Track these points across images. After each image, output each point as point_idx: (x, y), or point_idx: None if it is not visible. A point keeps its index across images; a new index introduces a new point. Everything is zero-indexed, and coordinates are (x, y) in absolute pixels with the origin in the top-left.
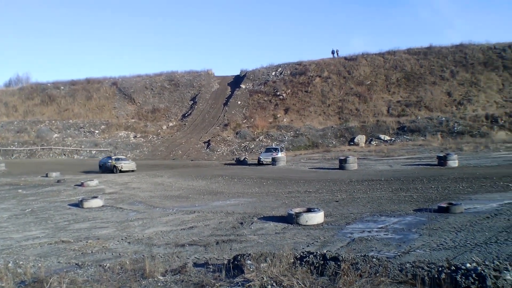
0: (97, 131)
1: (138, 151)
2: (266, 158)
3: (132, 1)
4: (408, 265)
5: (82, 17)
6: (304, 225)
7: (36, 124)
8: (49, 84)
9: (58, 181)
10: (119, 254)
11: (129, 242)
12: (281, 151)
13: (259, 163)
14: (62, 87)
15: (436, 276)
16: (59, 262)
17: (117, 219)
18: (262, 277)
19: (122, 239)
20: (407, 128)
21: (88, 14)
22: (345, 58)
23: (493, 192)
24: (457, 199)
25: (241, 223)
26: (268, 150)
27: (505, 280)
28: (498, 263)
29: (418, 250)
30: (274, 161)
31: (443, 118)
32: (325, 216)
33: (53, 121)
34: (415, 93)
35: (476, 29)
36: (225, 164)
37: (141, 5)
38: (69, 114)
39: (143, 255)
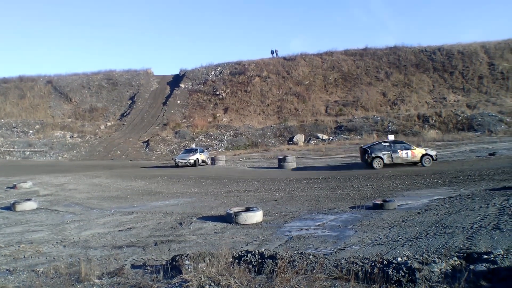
0: (31, 131)
1: (75, 151)
2: (182, 159)
3: None
4: (343, 261)
5: (15, 11)
6: (243, 224)
7: None
8: None
9: None
10: (54, 258)
11: (65, 246)
12: (202, 151)
13: (176, 165)
14: None
15: (369, 270)
16: None
17: (52, 221)
18: (200, 277)
19: (57, 243)
20: (345, 127)
21: (22, 7)
22: (284, 58)
23: (423, 188)
24: (390, 196)
25: (180, 223)
26: (188, 151)
27: (432, 272)
28: (427, 256)
29: (353, 246)
30: (195, 164)
31: (378, 118)
32: (264, 215)
33: None
34: (352, 93)
35: (409, 32)
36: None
37: (78, 1)
38: (0, 113)
39: (79, 258)
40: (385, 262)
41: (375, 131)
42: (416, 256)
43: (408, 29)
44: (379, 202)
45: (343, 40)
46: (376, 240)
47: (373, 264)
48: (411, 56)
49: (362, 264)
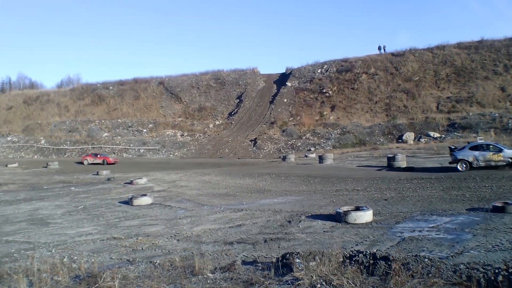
0: (145, 130)
1: (185, 149)
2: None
3: (177, 1)
4: (462, 266)
5: (130, 18)
6: (353, 223)
7: (86, 124)
8: (98, 85)
9: (108, 179)
10: (169, 251)
11: (178, 240)
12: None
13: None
14: (111, 87)
15: (492, 278)
16: (111, 258)
17: (166, 216)
18: (311, 275)
19: (171, 237)
20: (458, 124)
21: (136, 16)
22: (392, 54)
23: None
24: None
25: (289, 221)
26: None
27: None
28: None
29: (472, 251)
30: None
31: (496, 114)
32: (374, 214)
33: (103, 121)
34: (466, 88)
35: None
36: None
37: (186, 5)
38: (117, 113)
39: (192, 253)
40: (511, 269)
41: (492, 129)
42: None
43: None
44: (500, 205)
45: (455, 33)
46: (497, 245)
47: (497, 271)
48: None
49: (484, 270)
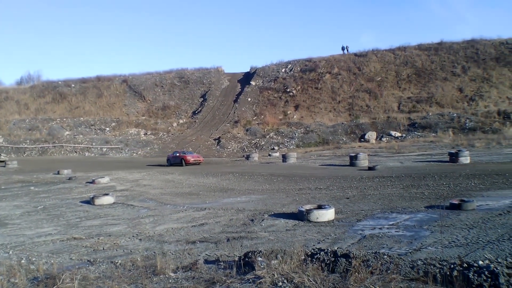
0: (107, 129)
1: (148, 148)
2: None
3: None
4: (419, 262)
5: (92, 16)
6: (315, 222)
7: (47, 122)
8: (60, 82)
9: (70, 179)
10: (131, 251)
11: (140, 239)
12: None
13: None
14: (73, 85)
15: (448, 273)
16: (71, 258)
17: (128, 216)
18: (273, 273)
19: (133, 236)
20: (418, 124)
21: (98, 13)
22: (355, 54)
23: (505, 188)
24: (469, 196)
25: (252, 220)
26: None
27: None
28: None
29: (429, 247)
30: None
31: (455, 114)
32: (336, 213)
33: (64, 119)
34: (426, 89)
35: (488, 24)
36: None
37: (150, 3)
38: (80, 111)
39: (154, 252)
40: (465, 265)
41: (450, 128)
42: (499, 260)
43: (487, 21)
44: (456, 202)
45: (416, 35)
46: (454, 241)
47: (452, 266)
48: (491, 49)
49: (440, 266)
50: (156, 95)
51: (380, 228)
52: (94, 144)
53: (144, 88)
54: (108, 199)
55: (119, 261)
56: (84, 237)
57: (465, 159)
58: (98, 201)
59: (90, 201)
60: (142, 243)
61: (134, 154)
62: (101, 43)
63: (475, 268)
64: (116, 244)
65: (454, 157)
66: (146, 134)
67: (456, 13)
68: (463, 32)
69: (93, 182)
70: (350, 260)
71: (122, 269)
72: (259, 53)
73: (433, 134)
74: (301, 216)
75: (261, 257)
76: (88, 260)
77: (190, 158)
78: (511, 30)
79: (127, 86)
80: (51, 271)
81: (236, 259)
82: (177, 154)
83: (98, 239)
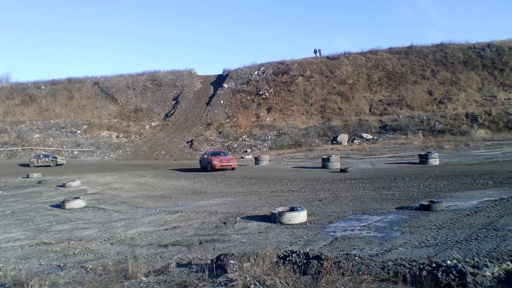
0: (79, 131)
1: (120, 151)
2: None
3: (113, 0)
4: (390, 263)
5: (63, 16)
6: (287, 224)
7: (16, 125)
8: (29, 84)
9: (39, 182)
10: (102, 255)
11: (112, 243)
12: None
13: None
14: (43, 87)
15: (417, 273)
16: (40, 264)
17: (99, 220)
18: (245, 276)
19: (104, 240)
20: (389, 126)
21: (69, 13)
22: (328, 57)
23: (473, 189)
24: (438, 197)
25: (224, 223)
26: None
27: (484, 276)
28: (478, 260)
29: (400, 248)
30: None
31: (424, 117)
32: (308, 215)
33: (34, 121)
34: (396, 92)
35: (456, 29)
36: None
37: (122, 5)
38: (50, 114)
39: (126, 256)
40: (434, 264)
41: (420, 131)
42: (467, 259)
43: (456, 26)
44: (426, 203)
45: (387, 38)
46: (423, 242)
47: (421, 266)
48: (459, 53)
49: (410, 266)
50: (128, 97)
51: (351, 230)
52: (65, 147)
53: (116, 91)
54: (79, 203)
55: (90, 265)
56: (54, 242)
57: (435, 160)
58: (68, 205)
59: (60, 205)
60: (113, 247)
61: (106, 157)
62: (72, 45)
63: (443, 267)
64: (87, 248)
65: (424, 159)
66: (118, 137)
67: (426, 17)
68: (432, 36)
69: (63, 185)
70: (322, 261)
71: (93, 274)
72: (232, 56)
73: (403, 136)
74: (273, 219)
75: (233, 260)
76: (57, 265)
77: (217, 162)
78: (478, 35)
79: (99, 88)
80: (19, 277)
81: (209, 262)
82: (205, 156)
83: (69, 243)
